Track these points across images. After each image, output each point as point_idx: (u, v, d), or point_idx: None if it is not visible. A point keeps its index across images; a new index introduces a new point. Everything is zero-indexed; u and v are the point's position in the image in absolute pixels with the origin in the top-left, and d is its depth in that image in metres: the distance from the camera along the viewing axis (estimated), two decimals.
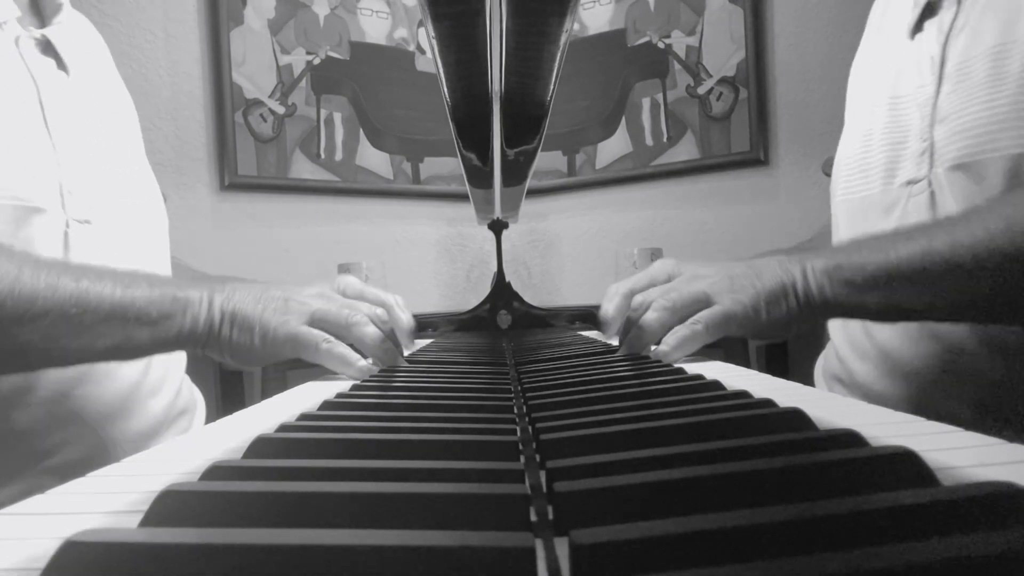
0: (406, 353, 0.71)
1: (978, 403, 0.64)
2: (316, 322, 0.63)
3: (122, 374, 0.70)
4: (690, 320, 0.62)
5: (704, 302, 0.62)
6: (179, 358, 0.83)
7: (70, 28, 0.75)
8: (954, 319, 0.59)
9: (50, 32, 0.70)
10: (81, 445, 0.66)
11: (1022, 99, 0.60)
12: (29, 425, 0.63)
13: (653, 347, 0.64)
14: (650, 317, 0.63)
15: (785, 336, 0.66)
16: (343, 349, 0.61)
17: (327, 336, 0.62)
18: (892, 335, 0.71)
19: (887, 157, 0.72)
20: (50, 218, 0.64)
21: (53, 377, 0.64)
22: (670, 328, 0.62)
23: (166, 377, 0.78)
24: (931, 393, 0.67)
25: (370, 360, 0.63)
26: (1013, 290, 0.51)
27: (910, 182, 0.69)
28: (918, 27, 0.72)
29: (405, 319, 0.69)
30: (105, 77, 0.82)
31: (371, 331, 0.63)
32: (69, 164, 0.67)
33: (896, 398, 0.71)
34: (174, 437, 0.78)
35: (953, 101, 0.65)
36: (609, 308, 0.69)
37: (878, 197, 0.74)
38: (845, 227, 0.80)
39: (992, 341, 0.63)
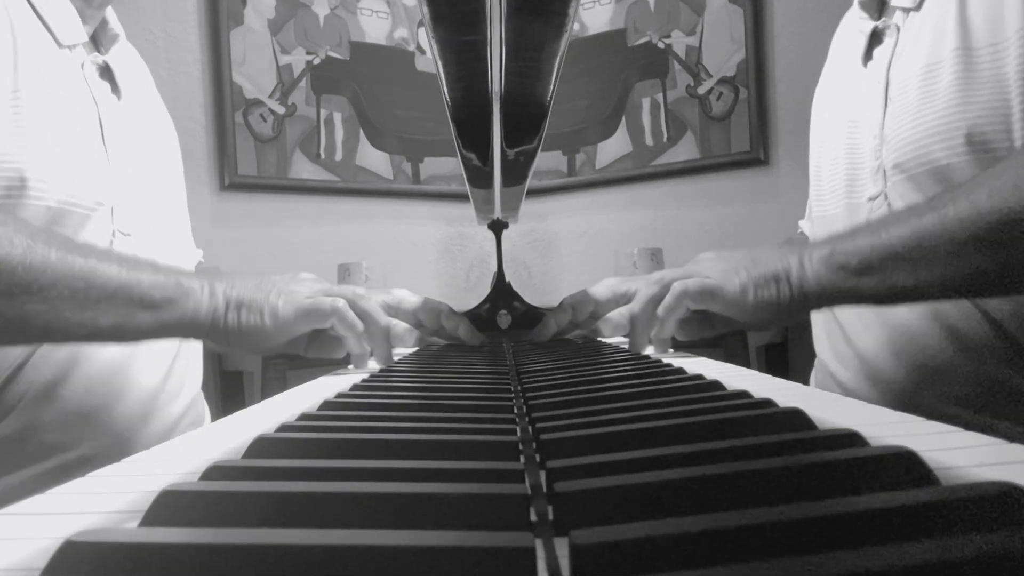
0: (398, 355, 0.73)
1: (958, 400, 0.65)
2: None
3: (146, 378, 0.73)
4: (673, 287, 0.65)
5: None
6: (196, 370, 0.85)
7: (124, 57, 0.80)
8: (952, 295, 0.60)
9: (110, 59, 0.76)
10: (99, 443, 0.68)
11: (948, 114, 0.63)
12: (55, 420, 0.65)
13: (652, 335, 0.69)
14: (638, 299, 0.68)
15: (777, 324, 0.69)
16: (354, 316, 0.64)
17: (337, 301, 0.64)
18: (870, 343, 0.73)
19: (848, 176, 0.76)
20: (101, 226, 0.68)
21: (83, 374, 0.66)
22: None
23: (183, 386, 0.80)
24: (910, 398, 0.68)
25: (369, 350, 0.67)
26: (1008, 257, 0.51)
27: (871, 198, 0.72)
28: (868, 55, 0.75)
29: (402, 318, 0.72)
30: (151, 104, 0.88)
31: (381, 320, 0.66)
32: (119, 179, 0.71)
33: (878, 404, 0.72)
34: None
35: (892, 119, 0.69)
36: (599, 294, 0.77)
37: (844, 213, 0.77)
38: None
39: (960, 340, 0.64)
